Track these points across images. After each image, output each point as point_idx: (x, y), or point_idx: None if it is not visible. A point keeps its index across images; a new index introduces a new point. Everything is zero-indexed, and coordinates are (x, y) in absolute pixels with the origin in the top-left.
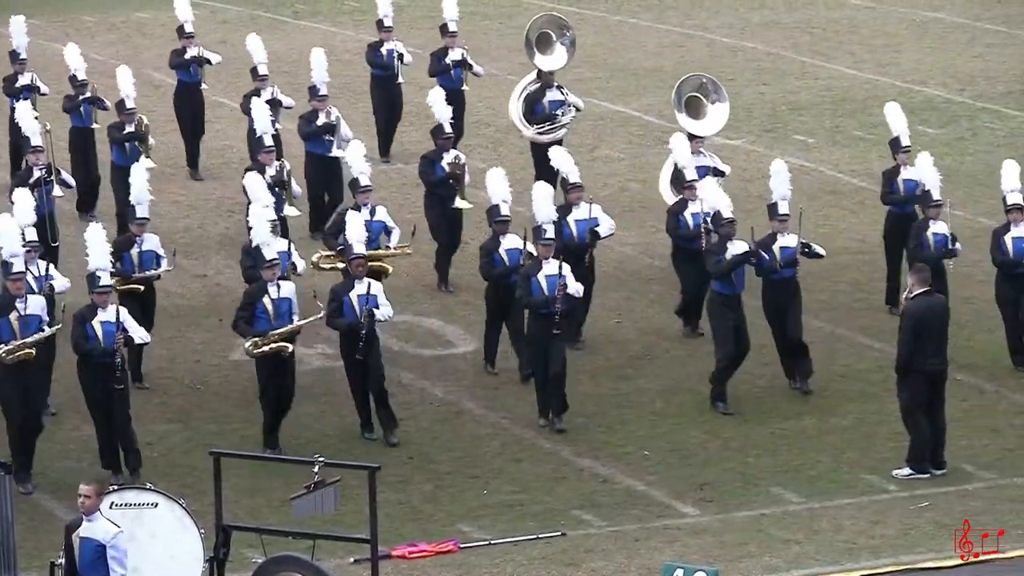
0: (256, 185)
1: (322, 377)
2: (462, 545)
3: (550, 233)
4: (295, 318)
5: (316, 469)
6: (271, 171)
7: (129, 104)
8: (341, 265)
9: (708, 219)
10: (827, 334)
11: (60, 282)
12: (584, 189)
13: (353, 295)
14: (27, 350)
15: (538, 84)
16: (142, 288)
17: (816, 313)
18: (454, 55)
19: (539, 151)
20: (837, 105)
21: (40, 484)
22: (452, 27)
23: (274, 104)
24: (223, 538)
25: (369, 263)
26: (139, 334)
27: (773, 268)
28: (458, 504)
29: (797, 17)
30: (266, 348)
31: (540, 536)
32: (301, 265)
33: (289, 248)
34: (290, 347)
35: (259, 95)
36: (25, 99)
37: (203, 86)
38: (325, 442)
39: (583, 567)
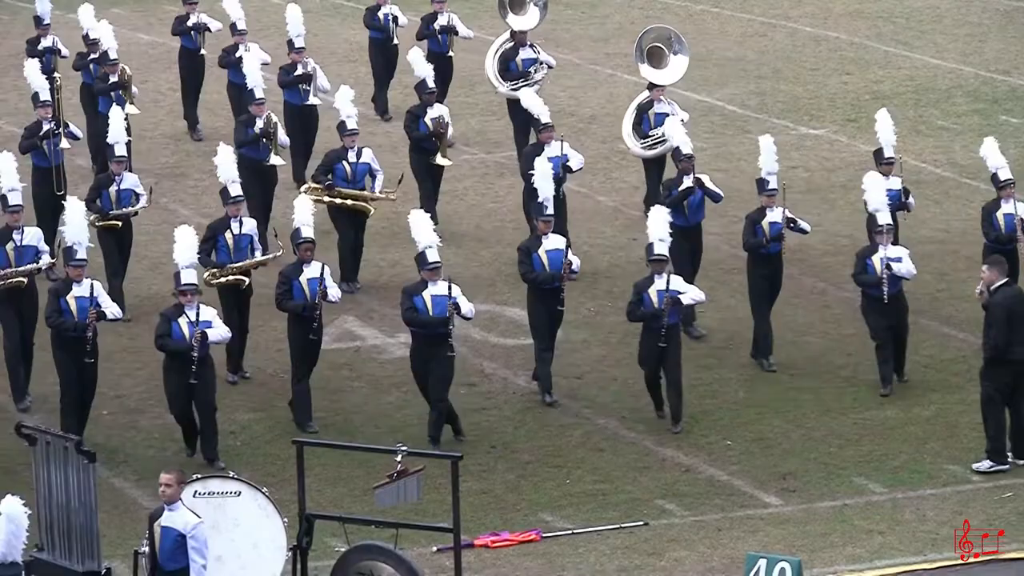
0: (225, 156)
1: (404, 366)
2: (544, 534)
3: (551, 210)
4: (256, 254)
5: (399, 458)
6: (260, 123)
7: (112, 55)
8: (327, 199)
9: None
10: (910, 324)
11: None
12: (555, 128)
13: (303, 278)
14: (19, 278)
15: (512, 43)
16: (119, 224)
17: None
18: (442, 20)
19: (514, 107)
20: (920, 95)
21: (124, 472)
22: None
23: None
24: (306, 527)
25: (352, 204)
26: (112, 310)
27: (760, 243)
28: (540, 493)
29: (881, 6)
30: (223, 280)
31: (622, 526)
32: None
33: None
34: (247, 280)
35: (236, 50)
36: (45, 59)
37: (202, 52)
38: (408, 431)
39: (665, 557)
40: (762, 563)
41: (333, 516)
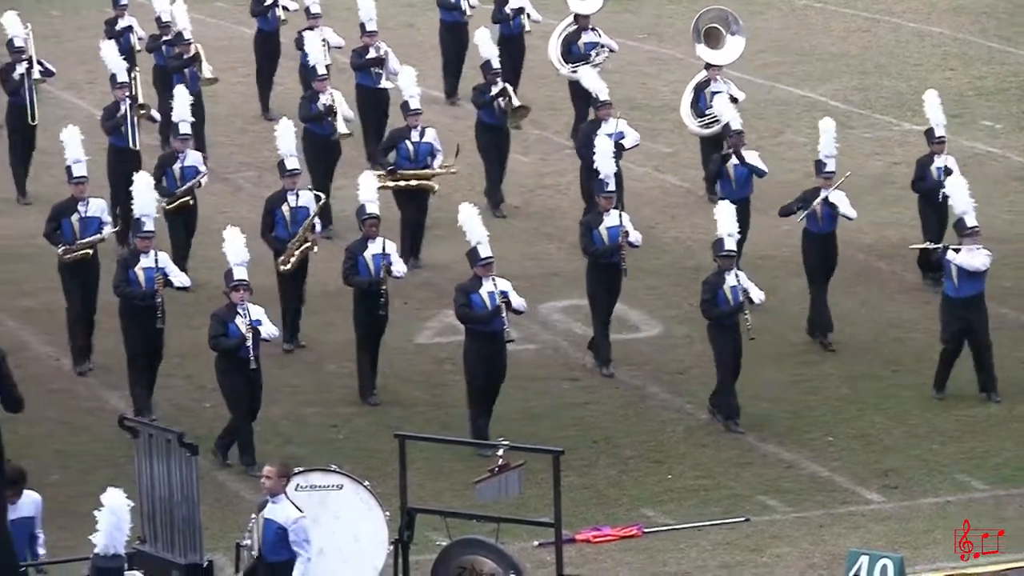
0: (284, 130)
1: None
2: (646, 530)
3: (612, 186)
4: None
5: (500, 452)
6: (324, 98)
7: (186, 36)
8: (391, 184)
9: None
10: (1012, 321)
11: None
12: (613, 106)
13: (368, 254)
14: (85, 250)
15: (575, 27)
16: (191, 200)
17: (1002, 300)
18: (514, 3)
19: (576, 88)
20: None
21: (226, 465)
22: None
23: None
24: (407, 520)
25: (417, 183)
26: (179, 279)
27: (813, 214)
28: (642, 488)
29: (984, 1)
30: (293, 259)
31: (724, 521)
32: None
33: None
34: (315, 247)
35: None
36: (123, 40)
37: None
38: (510, 425)
39: (767, 553)
40: (864, 560)
41: (435, 510)
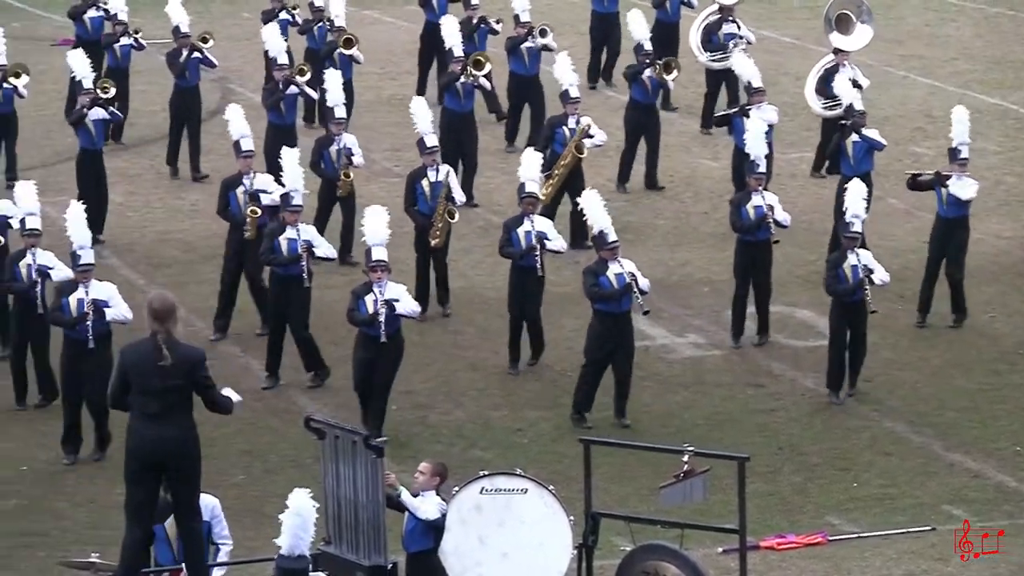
0: (419, 108)
1: (692, 366)
2: (831, 537)
3: (762, 167)
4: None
5: (685, 458)
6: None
7: (338, 23)
8: (552, 186)
9: None
10: None
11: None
12: (766, 93)
13: (521, 230)
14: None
15: (717, 16)
16: (350, 178)
17: None
18: None
19: (712, 76)
20: None
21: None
22: None
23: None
24: (592, 525)
25: (571, 168)
26: (323, 249)
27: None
28: (827, 496)
29: None
30: (440, 235)
31: (910, 530)
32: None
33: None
34: (455, 216)
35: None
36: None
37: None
38: (695, 431)
39: (952, 562)
40: None
41: (619, 515)
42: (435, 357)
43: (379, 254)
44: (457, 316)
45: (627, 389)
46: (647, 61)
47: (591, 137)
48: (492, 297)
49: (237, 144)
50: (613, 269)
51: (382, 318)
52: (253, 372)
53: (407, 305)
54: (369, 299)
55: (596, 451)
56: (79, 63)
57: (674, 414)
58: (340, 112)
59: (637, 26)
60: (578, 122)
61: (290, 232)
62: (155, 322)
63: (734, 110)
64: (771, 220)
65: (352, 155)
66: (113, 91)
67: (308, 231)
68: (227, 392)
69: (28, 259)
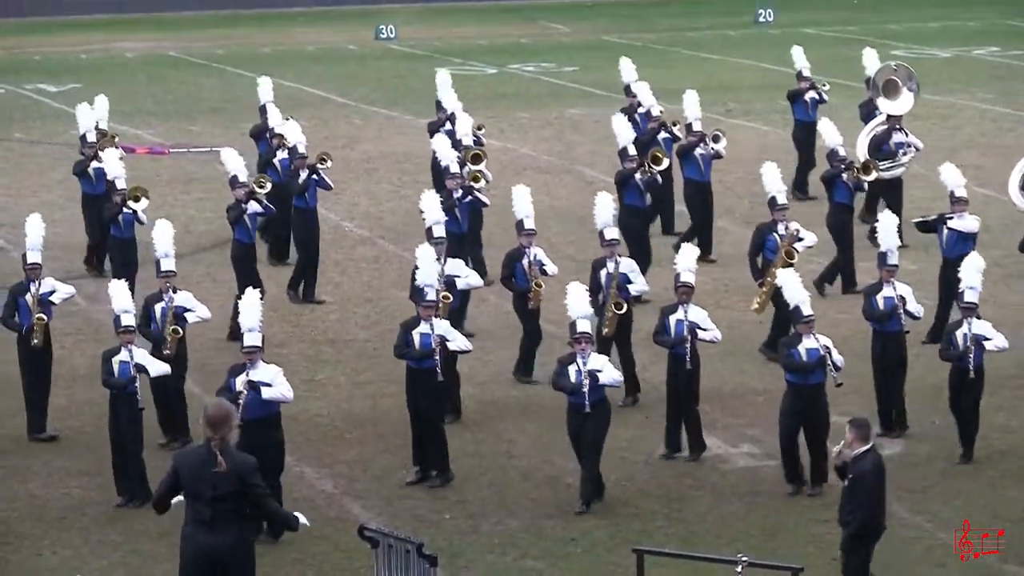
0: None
1: (747, 476)
2: None
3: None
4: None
5: (740, 569)
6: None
7: (301, 150)
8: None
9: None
10: None
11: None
12: (968, 203)
13: (673, 318)
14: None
15: (885, 126)
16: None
17: None
18: (811, 94)
19: (875, 184)
20: None
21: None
22: (806, 73)
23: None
24: None
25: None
26: (457, 343)
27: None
28: None
29: None
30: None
31: None
32: (551, 268)
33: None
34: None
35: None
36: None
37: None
38: (749, 541)
39: None
40: None
41: None
42: (487, 466)
43: (583, 327)
44: (510, 423)
45: (823, 450)
46: (843, 166)
47: (801, 240)
48: (548, 405)
49: (429, 231)
50: (807, 343)
51: (585, 388)
52: (306, 481)
53: (609, 375)
54: (572, 369)
55: (651, 561)
56: (233, 160)
57: (728, 524)
58: (529, 224)
59: (828, 133)
60: (787, 228)
61: (423, 327)
62: (210, 428)
63: (934, 217)
64: (901, 311)
65: (544, 266)
66: (269, 186)
67: (442, 325)
68: (298, 515)
69: (124, 355)
